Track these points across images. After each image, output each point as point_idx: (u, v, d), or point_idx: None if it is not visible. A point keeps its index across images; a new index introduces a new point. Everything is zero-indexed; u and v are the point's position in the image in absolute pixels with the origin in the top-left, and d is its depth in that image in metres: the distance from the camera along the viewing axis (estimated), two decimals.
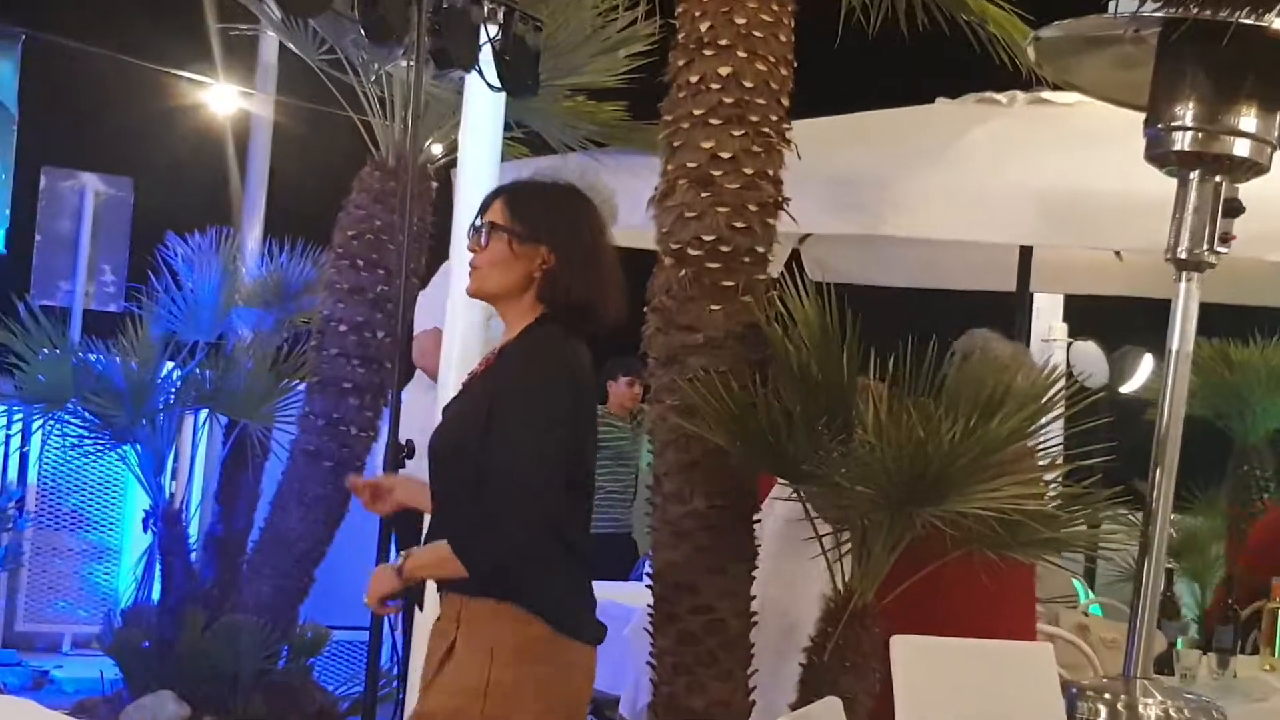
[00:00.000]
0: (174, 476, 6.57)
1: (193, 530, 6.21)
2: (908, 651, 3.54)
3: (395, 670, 4.50)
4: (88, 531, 7.48)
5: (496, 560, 2.76)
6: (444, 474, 2.89)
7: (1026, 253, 6.09)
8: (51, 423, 6.00)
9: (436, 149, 6.02)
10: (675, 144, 4.12)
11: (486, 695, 2.74)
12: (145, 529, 6.04)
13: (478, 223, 2.92)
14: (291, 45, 6.05)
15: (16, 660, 6.82)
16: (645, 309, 4.19)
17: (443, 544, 2.80)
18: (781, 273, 4.18)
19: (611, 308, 2.94)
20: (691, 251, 4.03)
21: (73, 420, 5.95)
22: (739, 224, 4.01)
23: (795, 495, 3.96)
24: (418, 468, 3.80)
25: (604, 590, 5.21)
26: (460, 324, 4.20)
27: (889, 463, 3.63)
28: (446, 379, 4.28)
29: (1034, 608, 4.35)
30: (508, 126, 5.04)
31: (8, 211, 5.85)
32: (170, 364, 6.03)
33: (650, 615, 4.14)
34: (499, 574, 2.76)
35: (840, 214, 5.06)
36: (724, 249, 4.00)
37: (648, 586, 4.21)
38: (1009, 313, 6.21)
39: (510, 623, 2.78)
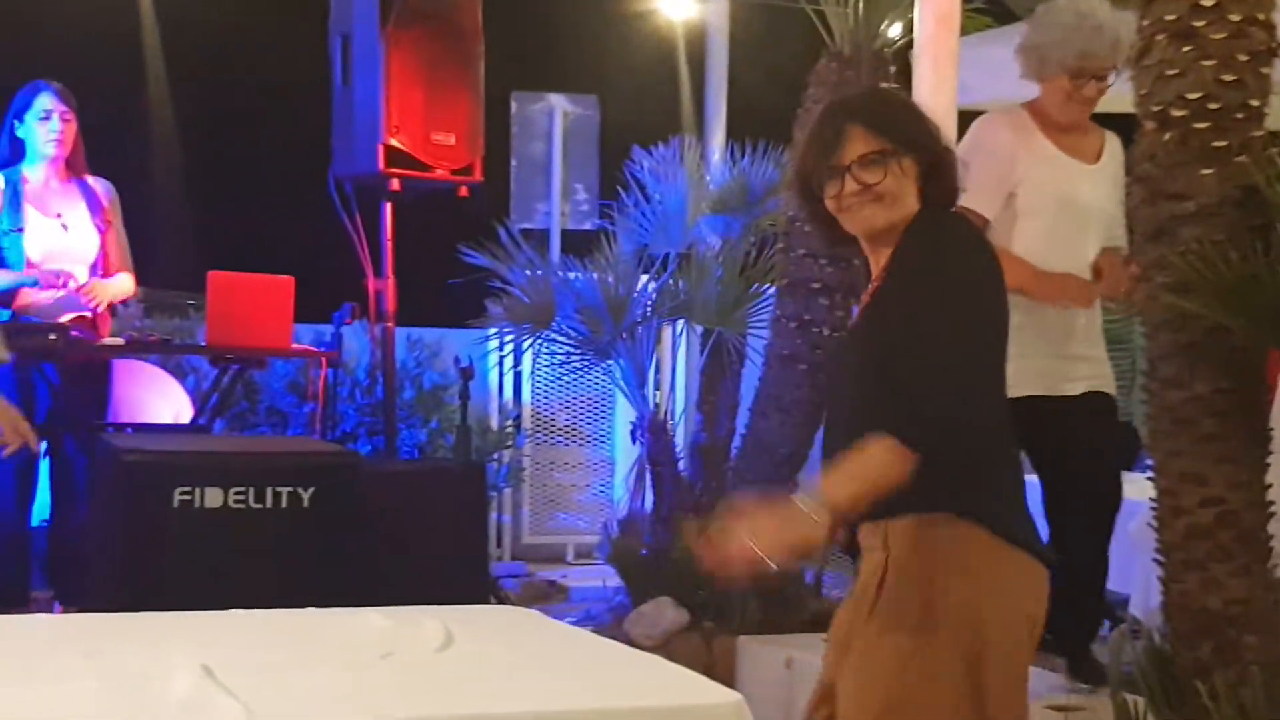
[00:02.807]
0: (657, 388, 6.68)
1: (679, 439, 6.29)
2: None
3: None
4: (581, 445, 7.74)
5: (946, 433, 2.39)
6: (852, 393, 2.58)
7: None
8: (539, 342, 6.21)
9: (894, 31, 5.78)
10: None
11: (934, 626, 2.44)
12: (634, 440, 6.17)
13: (843, 163, 2.53)
14: None
15: (525, 572, 7.15)
16: (1128, 179, 3.87)
17: (867, 452, 2.38)
18: None
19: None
20: (1175, 112, 3.67)
21: (559, 338, 6.13)
22: (1227, 77, 3.62)
23: None
24: None
25: None
26: None
27: None
28: None
29: None
30: None
31: (482, 140, 6.03)
32: (644, 277, 6.11)
33: (1154, 509, 3.86)
34: (946, 449, 2.40)
35: None
36: (1212, 106, 3.62)
37: (1149, 479, 3.93)
38: None
39: (945, 535, 2.47)
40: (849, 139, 2.54)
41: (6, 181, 5.16)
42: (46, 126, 5.20)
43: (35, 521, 5.22)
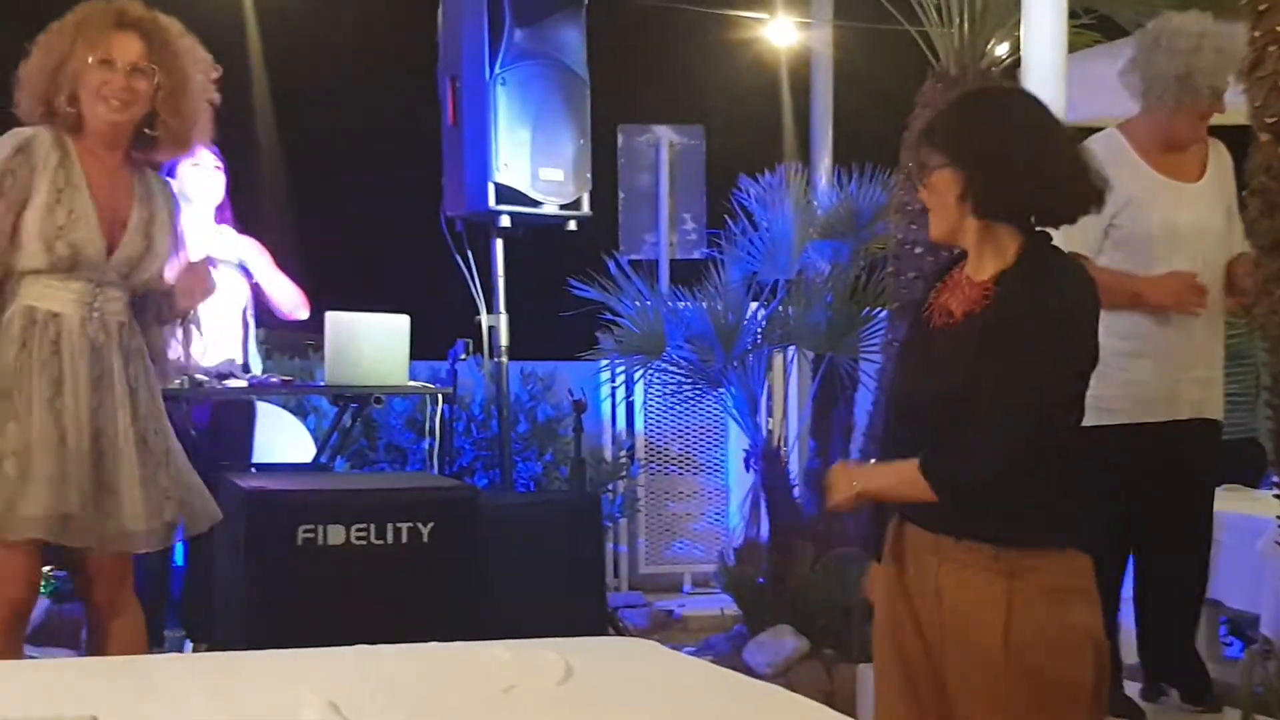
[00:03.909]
0: (769, 414, 6.69)
1: (793, 466, 6.28)
2: None
3: None
4: (695, 474, 7.75)
5: (969, 482, 2.52)
6: (927, 419, 2.62)
7: None
8: (651, 372, 6.24)
9: (1000, 50, 5.75)
10: (1261, 7, 3.71)
11: (1060, 649, 2.50)
12: (747, 468, 6.17)
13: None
14: None
15: (642, 602, 7.16)
16: (1243, 193, 3.81)
17: (906, 464, 2.56)
18: None
19: (1068, 198, 2.60)
20: None
21: (670, 368, 6.17)
22: None
23: None
24: None
25: (1231, 500, 4.87)
26: None
27: None
28: None
29: None
30: (1074, 15, 4.71)
31: (589, 175, 6.09)
32: (754, 304, 6.13)
33: None
34: (963, 496, 2.53)
35: None
36: None
37: (1276, 496, 3.85)
38: None
39: (1065, 568, 2.55)
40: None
41: None
42: (198, 173, 5.32)
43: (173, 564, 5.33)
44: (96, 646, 3.82)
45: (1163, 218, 3.91)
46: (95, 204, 3.53)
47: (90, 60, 3.51)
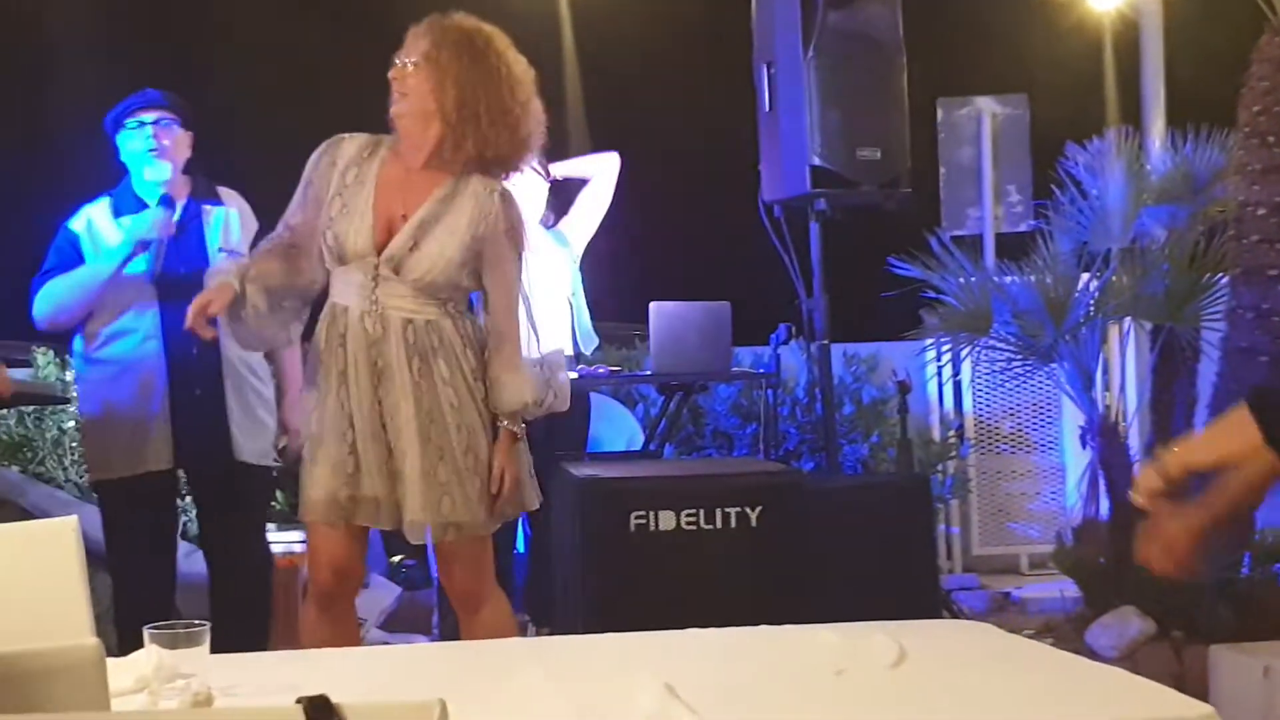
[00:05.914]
0: (1106, 389, 6.46)
1: (1133, 441, 6.06)
2: None
3: None
4: (1028, 453, 7.56)
5: None
6: None
7: None
8: (978, 350, 6.11)
9: None
10: None
11: None
12: (1084, 445, 5.98)
13: None
14: None
15: (977, 584, 7.03)
16: None
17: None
18: None
19: None
20: None
21: (998, 344, 6.03)
22: None
23: None
24: None
25: None
26: None
27: None
28: None
29: None
30: None
31: (907, 152, 6.00)
32: (1085, 275, 5.93)
33: None
34: None
35: None
36: None
37: None
38: None
39: None
40: None
41: None
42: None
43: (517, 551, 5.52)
44: (449, 632, 3.95)
45: None
46: (376, 201, 3.57)
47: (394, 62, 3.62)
